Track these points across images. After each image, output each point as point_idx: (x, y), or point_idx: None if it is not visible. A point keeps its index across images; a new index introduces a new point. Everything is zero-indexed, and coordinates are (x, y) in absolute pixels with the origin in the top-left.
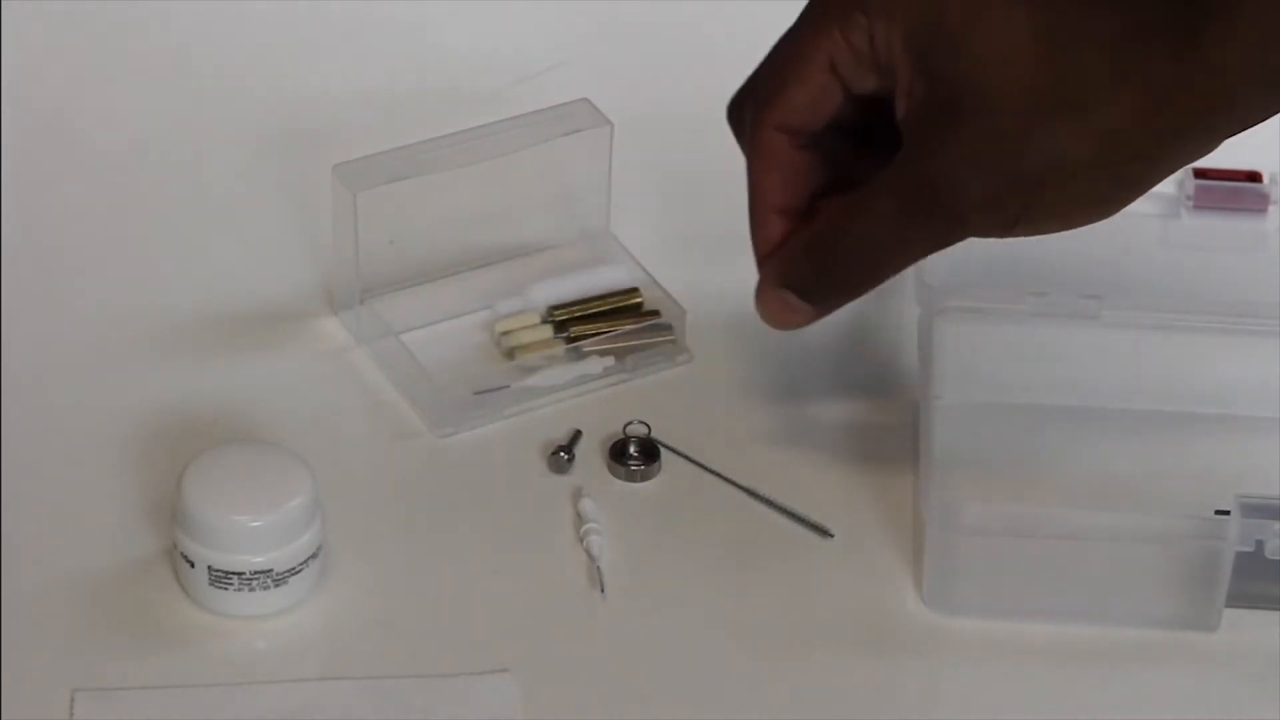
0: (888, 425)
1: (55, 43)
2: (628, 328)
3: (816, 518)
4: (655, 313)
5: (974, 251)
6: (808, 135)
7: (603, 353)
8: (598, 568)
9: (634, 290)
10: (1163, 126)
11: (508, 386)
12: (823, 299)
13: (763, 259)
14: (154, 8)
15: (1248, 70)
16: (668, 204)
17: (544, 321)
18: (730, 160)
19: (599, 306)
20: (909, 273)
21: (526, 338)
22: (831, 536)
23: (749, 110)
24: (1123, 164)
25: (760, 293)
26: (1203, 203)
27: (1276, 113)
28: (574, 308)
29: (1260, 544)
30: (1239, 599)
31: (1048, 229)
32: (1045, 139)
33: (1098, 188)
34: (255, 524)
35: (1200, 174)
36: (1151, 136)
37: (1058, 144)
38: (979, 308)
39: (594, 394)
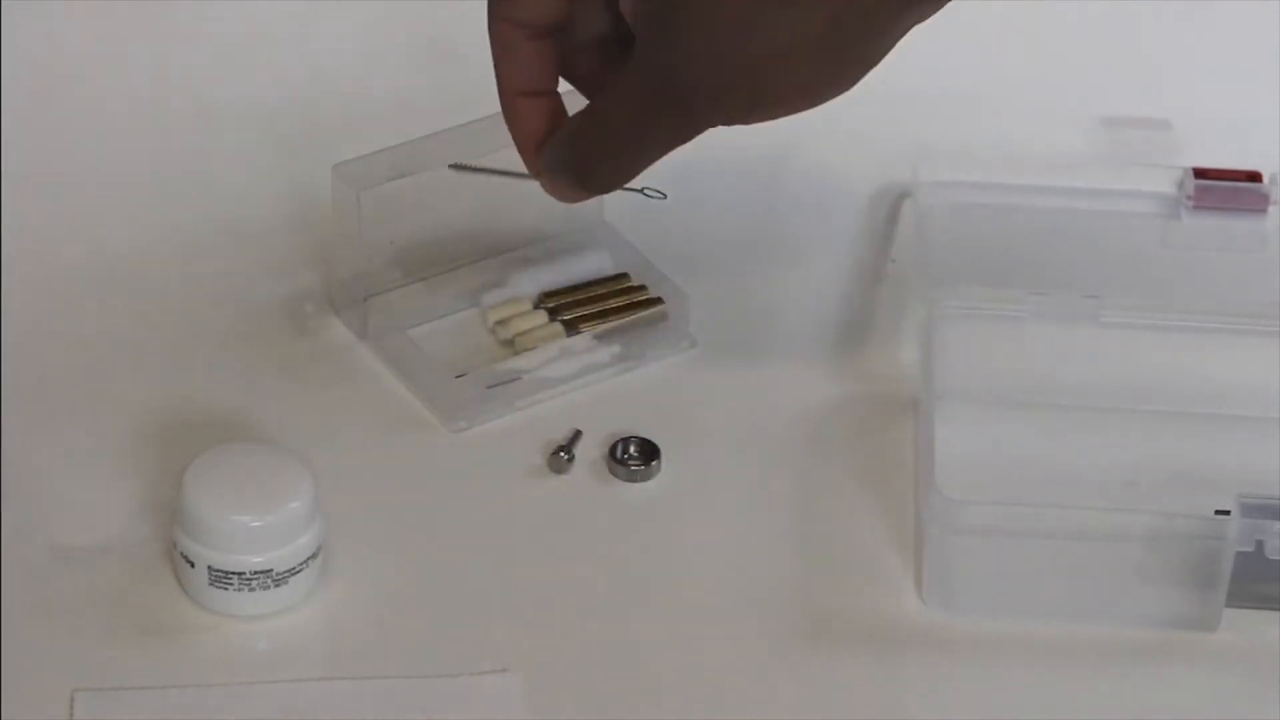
0: (888, 425)
1: (54, 41)
2: (617, 304)
3: (817, 518)
4: (658, 300)
5: (974, 252)
6: (541, 28)
7: (602, 334)
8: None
9: (624, 275)
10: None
11: (520, 378)
12: (592, 187)
13: (518, 138)
14: (153, 6)
15: None
16: (669, 197)
17: (537, 307)
18: (729, 146)
19: (591, 291)
20: (911, 273)
21: (522, 324)
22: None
23: (489, 8)
24: (849, 43)
25: (539, 176)
26: (1203, 203)
27: None
28: (565, 295)
29: (1260, 544)
30: (1239, 599)
31: (782, 112)
32: (767, 26)
33: (825, 68)
34: (255, 524)
35: (1200, 174)
36: (877, 10)
37: (780, 30)
38: (979, 308)
39: (600, 385)
